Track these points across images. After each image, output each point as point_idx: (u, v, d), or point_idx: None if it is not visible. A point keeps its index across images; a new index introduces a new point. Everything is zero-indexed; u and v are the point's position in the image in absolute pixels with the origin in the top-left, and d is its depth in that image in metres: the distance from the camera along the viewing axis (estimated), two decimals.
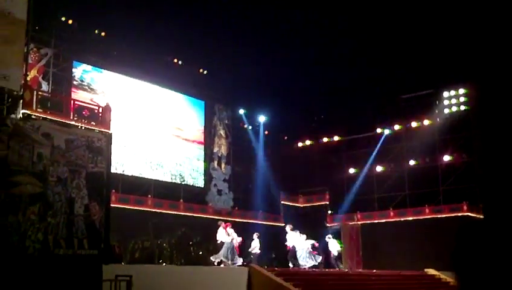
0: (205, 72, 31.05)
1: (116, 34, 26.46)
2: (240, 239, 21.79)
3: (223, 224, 22.07)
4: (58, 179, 12.41)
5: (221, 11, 26.31)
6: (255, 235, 23.42)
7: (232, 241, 21.20)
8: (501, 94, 27.27)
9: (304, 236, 23.73)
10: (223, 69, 30.16)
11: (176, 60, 29.59)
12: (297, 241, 23.45)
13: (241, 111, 32.87)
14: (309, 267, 22.90)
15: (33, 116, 14.86)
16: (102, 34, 26.25)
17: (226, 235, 21.37)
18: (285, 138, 35.69)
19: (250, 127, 33.90)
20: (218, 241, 21.52)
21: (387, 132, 32.58)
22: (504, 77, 26.18)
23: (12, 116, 13.42)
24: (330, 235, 25.71)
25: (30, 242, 11.58)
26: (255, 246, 23.21)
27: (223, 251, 21.05)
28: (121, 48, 26.92)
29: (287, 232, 24.07)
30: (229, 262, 20.73)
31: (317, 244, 23.99)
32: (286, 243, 23.84)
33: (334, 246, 25.06)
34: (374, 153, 32.69)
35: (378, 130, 33.03)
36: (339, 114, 34.03)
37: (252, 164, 32.82)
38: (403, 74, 29.69)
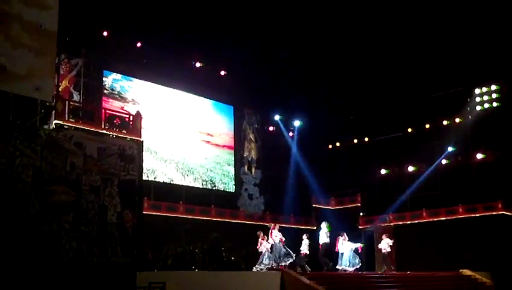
0: (234, 77, 31.09)
1: (146, 43, 26.71)
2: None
3: (273, 225, 21.99)
4: (91, 188, 12.57)
5: (248, 13, 26.36)
6: (304, 236, 23.41)
7: (279, 243, 21.07)
8: None
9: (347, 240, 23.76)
10: (249, 74, 30.17)
11: (204, 66, 29.67)
12: (344, 244, 23.55)
13: (267, 113, 32.84)
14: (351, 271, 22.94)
15: (65, 126, 15.09)
16: (132, 43, 26.49)
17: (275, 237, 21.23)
18: (316, 140, 35.53)
19: (280, 130, 33.81)
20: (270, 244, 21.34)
21: (418, 130, 32.26)
22: None
23: (45, 126, 13.65)
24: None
25: (65, 250, 11.74)
26: (305, 246, 23.32)
27: (273, 254, 20.92)
28: (150, 56, 27.15)
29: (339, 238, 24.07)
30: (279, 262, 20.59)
31: (360, 249, 24.02)
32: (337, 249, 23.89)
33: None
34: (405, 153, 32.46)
35: (409, 130, 32.74)
36: (369, 114, 33.84)
37: (283, 168, 32.76)
38: (433, 71, 29.35)
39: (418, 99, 31.83)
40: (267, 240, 21.26)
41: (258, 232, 21.74)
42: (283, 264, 20.60)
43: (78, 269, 11.84)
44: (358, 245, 23.82)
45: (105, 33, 25.39)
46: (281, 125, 33.61)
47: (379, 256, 27.39)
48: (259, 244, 21.34)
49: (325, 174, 33.57)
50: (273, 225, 21.85)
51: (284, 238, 21.35)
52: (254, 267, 21.18)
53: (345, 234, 24.09)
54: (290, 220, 30.12)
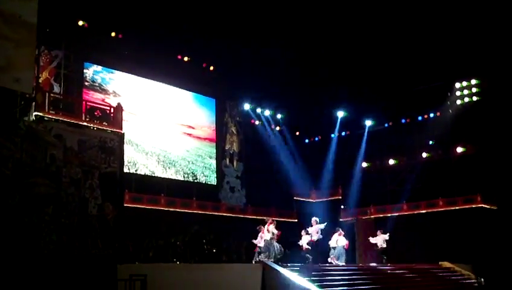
0: (215, 69, 31.03)
1: (127, 35, 26.50)
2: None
3: (270, 220, 21.88)
4: (71, 180, 12.54)
5: (231, 5, 26.26)
6: (303, 232, 23.51)
7: (272, 239, 21.00)
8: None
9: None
10: (234, 66, 30.10)
11: (186, 58, 29.58)
12: (339, 240, 23.84)
13: (250, 107, 32.83)
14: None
15: (45, 118, 14.93)
16: (113, 34, 26.29)
17: (266, 233, 21.14)
18: (298, 133, 35.63)
19: (261, 123, 33.90)
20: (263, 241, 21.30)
21: (399, 124, 32.51)
22: None
23: (25, 118, 13.51)
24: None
25: (45, 243, 11.70)
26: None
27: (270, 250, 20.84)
28: (131, 48, 26.96)
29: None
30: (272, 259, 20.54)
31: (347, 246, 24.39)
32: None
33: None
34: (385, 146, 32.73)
35: (391, 123, 32.95)
36: (351, 108, 33.94)
37: (264, 161, 32.81)
38: (414, 66, 29.50)
39: (399, 93, 32.01)
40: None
41: (258, 227, 21.74)
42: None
43: (58, 261, 11.81)
44: (347, 242, 24.19)
45: (86, 25, 25.14)
46: (253, 116, 33.47)
47: (360, 249, 27.63)
48: (259, 238, 21.31)
49: (307, 167, 33.67)
50: (270, 220, 21.77)
51: (277, 234, 21.28)
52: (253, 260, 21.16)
53: (340, 229, 24.41)
54: (272, 213, 30.14)
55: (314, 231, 23.26)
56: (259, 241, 21.13)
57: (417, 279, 23.20)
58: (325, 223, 23.42)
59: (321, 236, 23.22)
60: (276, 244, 20.78)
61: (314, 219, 23.97)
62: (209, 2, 25.52)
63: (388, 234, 25.72)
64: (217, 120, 31.94)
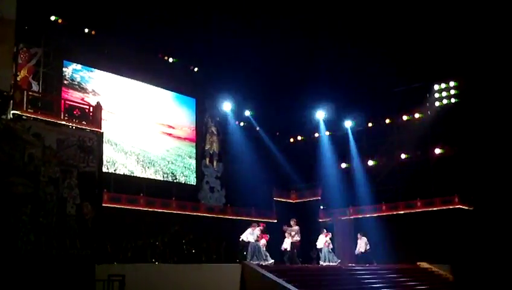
0: (196, 69, 31.01)
1: (107, 33, 26.34)
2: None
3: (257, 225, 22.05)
4: (49, 179, 12.42)
5: (213, 7, 26.24)
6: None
7: (257, 241, 21.03)
8: (490, 86, 27.42)
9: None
10: (214, 66, 30.09)
11: (166, 58, 29.52)
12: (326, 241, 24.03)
13: (232, 107, 32.76)
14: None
15: (24, 117, 14.80)
16: (93, 32, 26.13)
17: (250, 235, 21.22)
18: (277, 133, 35.67)
19: (241, 124, 33.94)
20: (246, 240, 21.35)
21: (378, 125, 32.69)
22: (493, 71, 26.33)
23: (3, 117, 13.36)
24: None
25: (22, 243, 11.58)
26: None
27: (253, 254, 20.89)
28: (111, 46, 26.82)
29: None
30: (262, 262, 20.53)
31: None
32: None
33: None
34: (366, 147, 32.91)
35: (370, 124, 33.12)
36: (330, 108, 34.04)
37: (244, 161, 32.79)
38: (394, 67, 29.68)
39: (379, 94, 32.18)
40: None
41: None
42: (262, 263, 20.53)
43: (36, 261, 11.69)
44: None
45: (66, 22, 24.97)
46: (232, 117, 33.43)
47: (339, 249, 27.73)
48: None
49: (286, 167, 33.71)
50: (256, 225, 21.94)
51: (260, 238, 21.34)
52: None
53: (325, 230, 24.52)
54: (251, 213, 30.17)
55: (293, 232, 23.34)
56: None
57: (396, 279, 23.36)
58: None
59: (298, 238, 23.31)
60: (261, 248, 20.85)
61: (293, 220, 24.05)
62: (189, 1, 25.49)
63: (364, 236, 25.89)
64: (197, 120, 31.85)
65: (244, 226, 23.21)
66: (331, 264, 23.72)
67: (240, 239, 21.65)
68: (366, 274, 23.48)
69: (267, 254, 21.31)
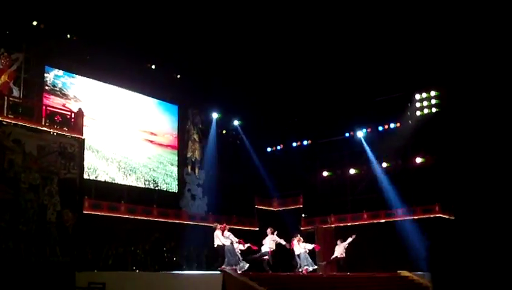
0: (178, 76, 30.94)
1: (89, 39, 26.19)
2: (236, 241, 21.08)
3: (218, 226, 21.34)
4: (30, 186, 12.33)
5: (196, 13, 26.25)
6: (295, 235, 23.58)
7: (231, 244, 20.47)
8: (471, 96, 27.74)
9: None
10: (196, 74, 30.06)
11: (148, 65, 29.44)
12: (299, 245, 23.85)
13: (215, 115, 32.75)
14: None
15: (4, 123, 14.65)
16: (74, 38, 25.98)
17: (223, 238, 20.50)
18: (259, 142, 35.68)
19: (224, 132, 33.95)
20: (215, 246, 20.75)
21: (360, 134, 32.86)
22: (473, 80, 26.65)
23: None
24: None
25: (1, 250, 11.45)
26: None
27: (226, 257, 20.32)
28: (93, 52, 26.67)
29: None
30: (235, 267, 20.00)
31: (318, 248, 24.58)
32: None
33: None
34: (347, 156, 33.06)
35: (351, 133, 33.29)
36: (311, 118, 34.21)
37: (226, 169, 32.78)
38: (375, 77, 29.90)
39: (360, 103, 32.39)
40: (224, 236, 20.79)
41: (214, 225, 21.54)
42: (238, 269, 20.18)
43: (15, 269, 11.57)
44: (314, 246, 24.25)
45: (47, 28, 24.78)
46: (214, 125, 33.42)
47: (320, 257, 27.74)
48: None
49: (268, 175, 33.75)
50: (219, 225, 21.37)
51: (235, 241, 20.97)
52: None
53: (299, 235, 24.43)
54: (233, 221, 30.11)
55: (270, 240, 23.24)
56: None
57: (376, 288, 23.41)
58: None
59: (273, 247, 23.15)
60: (236, 252, 20.54)
61: (269, 228, 23.94)
62: (172, 9, 25.45)
63: (353, 236, 25.75)
64: (179, 127, 31.77)
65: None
66: (310, 269, 23.55)
67: (215, 245, 21.03)
68: (346, 282, 23.49)
69: (241, 258, 20.87)
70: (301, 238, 24.24)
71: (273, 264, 22.50)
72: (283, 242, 22.63)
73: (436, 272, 25.60)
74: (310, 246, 23.89)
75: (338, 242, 26.18)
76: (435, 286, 24.88)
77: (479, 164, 27.94)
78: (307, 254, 23.76)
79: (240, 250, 20.70)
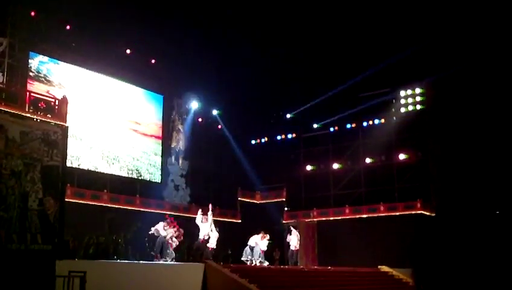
0: (165, 66, 30.78)
1: (75, 26, 25.99)
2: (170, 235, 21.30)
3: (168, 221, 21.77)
4: (11, 173, 12.19)
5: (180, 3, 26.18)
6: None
7: (165, 237, 20.87)
8: (454, 95, 27.91)
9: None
10: (181, 64, 29.94)
11: (134, 53, 29.24)
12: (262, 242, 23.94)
13: (196, 105, 32.64)
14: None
15: None
16: (60, 24, 25.74)
17: (163, 230, 21.02)
18: (243, 134, 35.67)
19: (208, 123, 33.89)
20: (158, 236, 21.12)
21: (344, 129, 32.96)
22: (458, 79, 26.81)
23: None
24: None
25: None
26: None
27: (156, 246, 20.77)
28: (79, 39, 26.44)
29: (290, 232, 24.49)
30: (164, 258, 20.39)
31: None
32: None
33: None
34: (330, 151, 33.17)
35: (336, 128, 33.37)
36: (297, 111, 34.27)
37: (210, 160, 32.75)
38: (361, 72, 29.99)
39: (346, 98, 32.49)
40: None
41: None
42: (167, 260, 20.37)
43: None
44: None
45: (32, 13, 24.54)
46: (210, 117, 33.58)
47: (301, 251, 27.85)
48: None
49: (252, 168, 33.77)
50: (168, 221, 21.65)
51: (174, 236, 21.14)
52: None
53: (263, 232, 24.48)
54: (216, 213, 30.06)
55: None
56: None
57: (357, 282, 23.57)
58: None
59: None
60: (166, 245, 20.68)
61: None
62: None
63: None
64: (163, 117, 31.63)
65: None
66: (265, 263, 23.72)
67: (150, 232, 21.27)
68: (327, 276, 23.63)
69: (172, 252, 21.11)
70: (266, 235, 24.34)
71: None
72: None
73: (418, 268, 25.78)
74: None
75: (293, 231, 26.05)
76: (416, 282, 25.04)
77: (461, 162, 28.18)
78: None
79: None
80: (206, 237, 21.77)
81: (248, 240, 24.54)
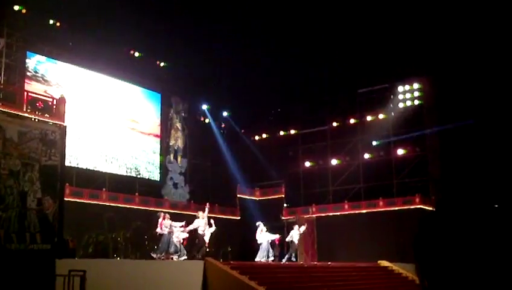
0: (163, 64, 30.81)
1: (72, 24, 25.97)
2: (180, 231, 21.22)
3: (162, 215, 21.55)
4: (10, 172, 12.21)
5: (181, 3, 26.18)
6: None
7: (170, 233, 20.78)
8: (452, 90, 27.90)
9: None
10: (181, 62, 29.94)
11: (132, 52, 29.27)
12: (262, 235, 23.95)
13: (194, 102, 32.66)
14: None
15: None
16: (57, 24, 25.74)
17: (163, 228, 20.91)
18: (242, 131, 35.71)
19: (207, 120, 33.91)
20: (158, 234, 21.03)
21: (342, 125, 32.98)
22: (456, 74, 26.81)
23: None
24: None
25: None
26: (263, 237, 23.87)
27: (160, 245, 20.72)
28: (76, 38, 26.44)
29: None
30: (173, 256, 20.34)
31: (278, 241, 24.60)
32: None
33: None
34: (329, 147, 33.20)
35: (334, 124, 33.39)
36: (295, 108, 34.29)
37: (209, 157, 32.77)
38: (359, 68, 30.01)
39: (345, 94, 32.52)
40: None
41: (158, 213, 21.63)
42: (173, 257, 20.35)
43: None
44: (276, 237, 24.32)
45: (29, 13, 24.52)
46: (208, 115, 33.63)
47: (301, 247, 27.90)
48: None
49: (251, 164, 33.78)
50: (162, 214, 21.49)
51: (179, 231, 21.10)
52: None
53: (262, 224, 24.43)
54: (215, 210, 30.10)
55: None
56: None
57: (356, 277, 23.61)
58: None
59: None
60: (172, 242, 20.63)
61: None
62: None
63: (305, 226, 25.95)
64: (162, 115, 31.64)
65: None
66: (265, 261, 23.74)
67: (157, 233, 21.19)
68: (327, 271, 23.67)
69: (182, 249, 21.04)
70: (264, 228, 24.36)
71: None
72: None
73: (422, 264, 25.83)
74: (271, 237, 24.11)
75: (296, 227, 26.03)
76: (420, 278, 25.07)
77: (459, 156, 28.23)
78: (270, 245, 23.96)
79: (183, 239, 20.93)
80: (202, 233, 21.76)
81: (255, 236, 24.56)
